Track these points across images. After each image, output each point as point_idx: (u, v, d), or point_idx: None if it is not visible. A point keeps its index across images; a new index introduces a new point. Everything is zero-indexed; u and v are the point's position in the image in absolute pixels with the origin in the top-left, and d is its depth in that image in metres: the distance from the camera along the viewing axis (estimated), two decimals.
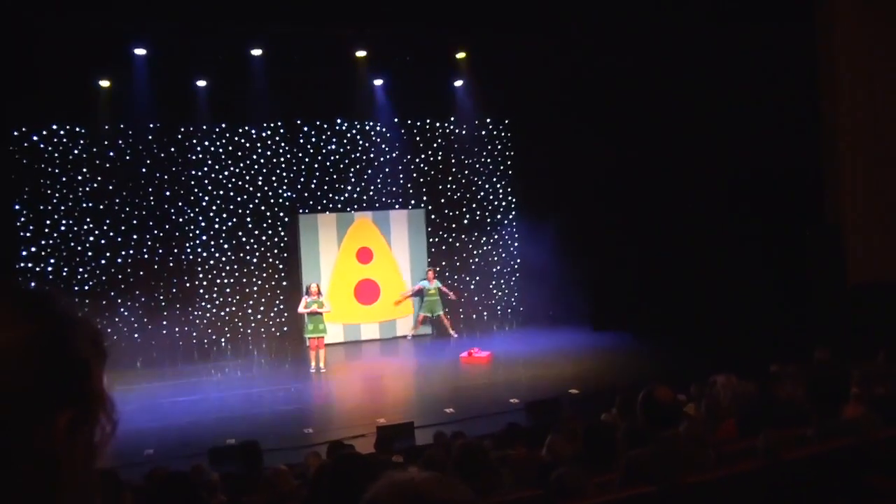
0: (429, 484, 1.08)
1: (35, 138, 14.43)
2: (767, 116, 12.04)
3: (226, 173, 15.74)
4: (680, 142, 13.52)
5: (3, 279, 0.91)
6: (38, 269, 14.41)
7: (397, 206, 16.71)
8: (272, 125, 15.99)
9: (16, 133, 14.24)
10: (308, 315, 13.20)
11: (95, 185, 14.77)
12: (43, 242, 14.47)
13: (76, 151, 14.69)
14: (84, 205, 14.72)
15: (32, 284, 0.94)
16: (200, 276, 15.60)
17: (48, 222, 14.51)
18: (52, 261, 14.53)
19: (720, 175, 13.02)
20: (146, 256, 15.16)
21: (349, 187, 16.59)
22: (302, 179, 16.25)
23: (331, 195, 16.46)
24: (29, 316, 0.86)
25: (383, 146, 16.79)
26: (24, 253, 14.32)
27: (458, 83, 16.44)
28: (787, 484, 3.41)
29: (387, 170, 16.77)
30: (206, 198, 15.60)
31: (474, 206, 17.59)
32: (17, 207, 14.29)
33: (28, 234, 14.38)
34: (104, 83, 14.16)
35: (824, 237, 11.75)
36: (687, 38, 12.74)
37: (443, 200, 17.30)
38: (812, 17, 11.78)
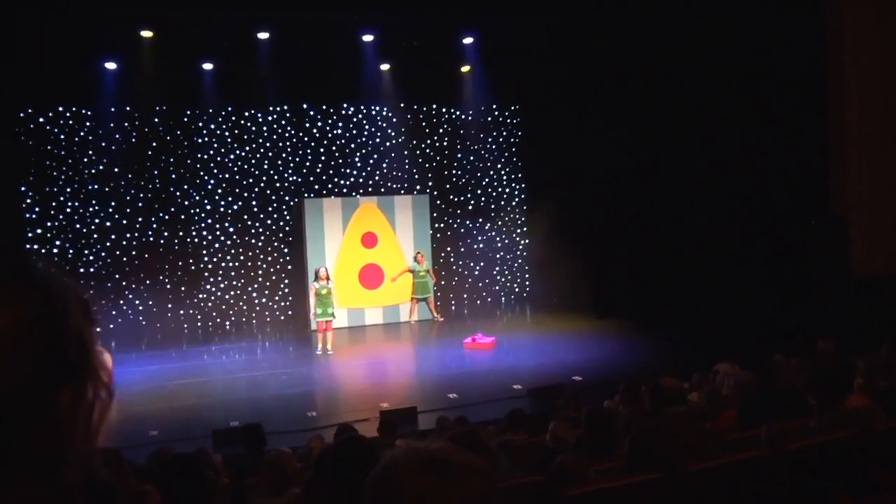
0: (444, 450, 1.11)
1: (41, 120, 14.45)
2: (774, 107, 11.98)
3: (231, 157, 15.74)
4: (687, 132, 13.46)
5: None
6: (43, 250, 14.46)
7: (402, 192, 16.70)
8: (278, 109, 15.98)
9: (22, 115, 14.26)
10: (317, 299, 13.16)
11: (101, 167, 14.80)
12: (49, 224, 14.52)
13: (82, 133, 14.71)
14: (90, 187, 14.75)
15: (18, 259, 0.90)
16: (206, 259, 15.64)
17: (54, 204, 14.55)
18: (57, 242, 14.58)
19: (726, 166, 12.96)
20: (151, 239, 15.20)
21: (355, 172, 16.59)
22: (308, 164, 16.26)
23: (336, 180, 16.47)
24: (22, 294, 0.85)
25: (389, 131, 16.78)
26: (30, 234, 14.37)
27: (465, 69, 16.39)
28: (789, 474, 3.42)
29: (392, 155, 16.76)
30: (212, 181, 15.62)
31: (479, 192, 17.58)
32: (23, 189, 14.33)
33: (34, 216, 14.43)
34: (110, 65, 14.15)
35: (829, 228, 11.71)
36: (696, 28, 12.66)
37: (448, 186, 17.29)
38: (820, 10, 11.71)
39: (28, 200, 14.39)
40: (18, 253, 14.05)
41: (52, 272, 0.90)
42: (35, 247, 14.41)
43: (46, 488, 0.83)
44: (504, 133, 17.80)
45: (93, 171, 14.78)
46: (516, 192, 17.92)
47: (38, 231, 14.45)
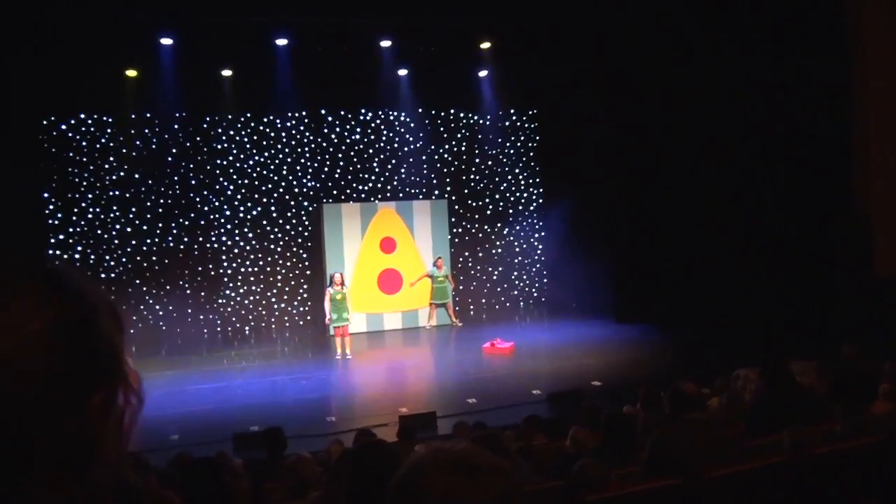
0: (469, 450, 1.12)
1: (63, 127, 14.60)
2: (796, 105, 11.87)
3: (251, 162, 15.83)
4: (707, 133, 13.39)
5: (18, 262, 0.88)
6: (65, 256, 14.61)
7: (421, 196, 16.72)
8: (297, 115, 16.05)
9: (45, 122, 14.42)
10: (332, 305, 13.20)
11: (122, 173, 14.93)
12: (71, 230, 14.67)
13: (103, 140, 14.85)
14: (111, 193, 14.88)
15: (47, 263, 0.90)
16: (225, 264, 15.73)
17: (76, 210, 14.69)
18: (79, 248, 14.72)
19: (746, 165, 12.87)
20: (171, 244, 15.31)
21: (373, 177, 16.63)
22: (326, 169, 16.31)
23: (355, 185, 16.52)
24: (52, 299, 0.85)
25: (407, 136, 16.81)
26: (53, 240, 14.52)
27: (483, 73, 16.40)
28: (811, 480, 3.38)
29: (410, 160, 16.79)
30: (231, 187, 15.71)
31: (497, 196, 17.57)
32: (45, 195, 14.48)
33: (56, 222, 14.58)
34: (131, 73, 14.28)
35: (852, 228, 11.56)
36: (715, 28, 12.60)
37: (466, 191, 17.29)
38: (844, 7, 11.59)
39: (51, 206, 14.54)
40: (53, 260, 14.22)
41: (85, 279, 0.90)
42: (58, 252, 14.55)
43: (77, 490, 0.84)
44: (522, 137, 17.78)
45: (114, 177, 14.91)
46: (534, 196, 17.88)
47: (61, 237, 14.60)
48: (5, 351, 0.79)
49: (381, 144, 16.69)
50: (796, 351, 7.90)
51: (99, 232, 14.85)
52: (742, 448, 4.14)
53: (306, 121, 16.17)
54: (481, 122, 17.37)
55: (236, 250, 15.79)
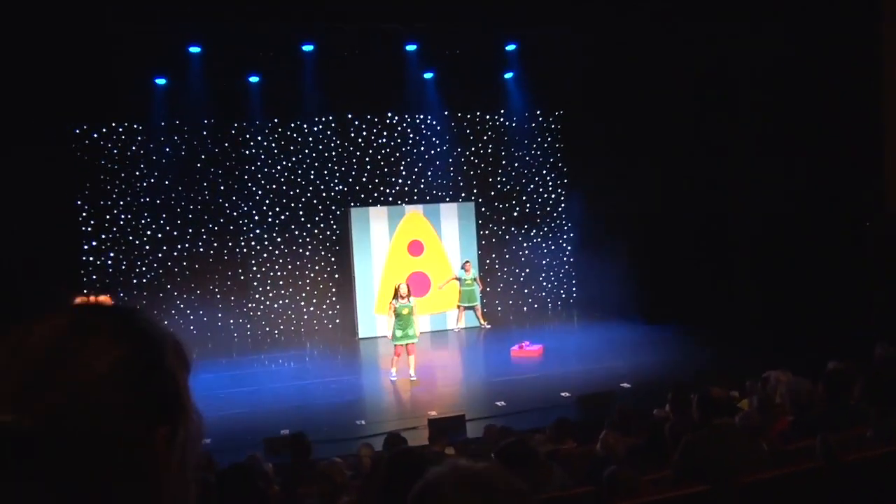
0: (490, 472, 1.14)
1: (95, 136, 14.83)
2: (828, 104, 11.72)
3: (278, 168, 15.96)
4: (736, 130, 13.27)
5: (92, 304, 0.96)
6: (98, 262, 14.84)
7: (448, 199, 16.75)
8: (324, 120, 16.16)
9: (77, 131, 14.66)
10: (396, 320, 11.86)
11: (152, 180, 15.13)
12: (103, 236, 14.90)
13: (134, 148, 15.06)
14: (142, 199, 15.09)
15: (120, 304, 0.98)
16: (254, 268, 15.88)
17: (108, 217, 14.92)
18: (111, 254, 14.94)
19: (777, 165, 12.73)
20: (201, 250, 15.49)
21: (400, 180, 16.69)
22: (353, 173, 16.40)
23: (382, 188, 16.59)
24: (122, 338, 0.91)
25: (434, 139, 16.85)
26: (86, 246, 14.76)
27: (509, 75, 16.39)
28: (844, 486, 3.35)
29: (437, 163, 16.83)
30: (260, 192, 15.85)
31: (524, 198, 17.54)
32: (78, 203, 14.72)
33: (89, 229, 14.81)
34: (161, 81, 14.48)
35: (886, 227, 11.40)
36: (742, 30, 12.48)
37: (493, 193, 17.29)
38: (876, 7, 11.44)
39: (83, 214, 14.78)
40: (83, 269, 14.48)
41: (151, 318, 0.96)
42: (90, 258, 14.79)
43: None
44: (549, 139, 17.74)
45: (144, 184, 15.12)
46: (562, 198, 17.83)
47: (94, 243, 14.83)
48: (82, 383, 0.86)
49: (408, 148, 16.74)
50: (830, 353, 7.79)
51: (130, 238, 15.06)
52: (776, 452, 4.11)
53: (333, 125, 16.27)
54: (508, 124, 17.36)
55: (265, 255, 15.93)
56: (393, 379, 11.98)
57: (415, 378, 11.92)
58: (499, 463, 4.30)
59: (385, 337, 13.34)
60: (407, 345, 11.85)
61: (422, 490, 1.14)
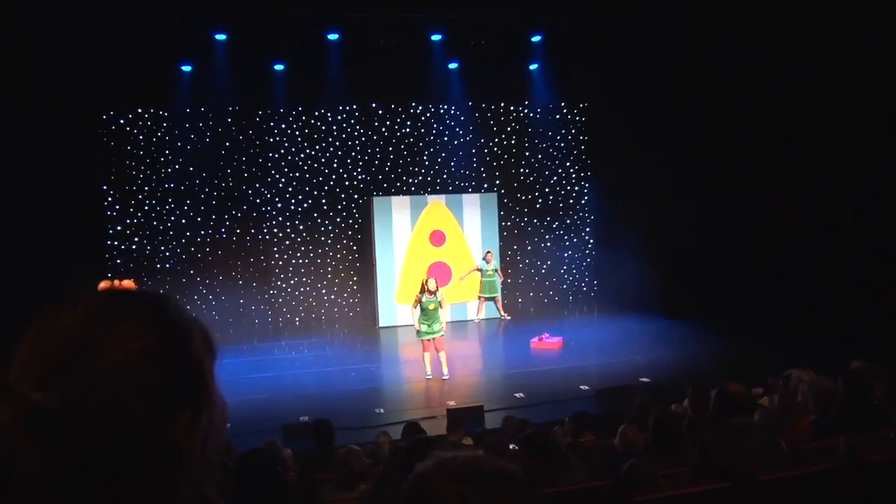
0: (474, 459, 1.14)
1: (122, 121, 14.95)
2: (857, 102, 11.53)
3: (302, 155, 16.01)
4: (760, 126, 13.13)
5: (121, 289, 0.97)
6: (122, 246, 14.98)
7: (470, 190, 16.73)
8: (348, 108, 16.18)
9: (104, 116, 14.79)
10: (421, 314, 11.51)
11: (177, 166, 15.24)
12: (128, 221, 15.03)
13: (159, 134, 15.17)
14: (166, 185, 15.21)
15: (152, 291, 1.00)
16: (276, 255, 15.96)
17: (133, 202, 15.05)
18: (136, 239, 15.08)
19: (801, 160, 12.57)
20: (224, 236, 15.59)
21: (423, 170, 16.68)
22: (377, 162, 16.42)
23: (405, 178, 16.59)
24: (150, 325, 0.92)
25: (457, 129, 16.82)
26: (111, 231, 14.90)
27: (533, 66, 16.32)
28: (865, 487, 3.32)
29: (460, 153, 16.80)
30: (283, 179, 15.92)
31: (547, 190, 17.48)
32: (104, 188, 14.86)
33: (114, 214, 14.95)
34: (186, 68, 14.57)
35: None
36: (771, 23, 12.33)
37: (515, 184, 17.25)
38: None
39: (109, 198, 14.92)
40: (108, 254, 14.65)
41: (180, 305, 0.99)
42: (115, 243, 14.93)
43: (162, 501, 0.91)
44: (573, 130, 17.65)
45: (169, 170, 15.23)
46: (585, 191, 17.75)
47: (119, 228, 14.97)
48: (107, 368, 0.88)
49: (432, 138, 16.73)
50: (854, 352, 7.71)
51: (155, 223, 15.19)
52: (795, 451, 4.08)
53: (357, 114, 16.29)
54: (531, 115, 17.28)
55: (287, 242, 16.01)
56: (428, 377, 11.56)
57: (447, 377, 11.52)
58: (521, 451, 4.31)
59: (405, 326, 13.32)
60: (434, 339, 11.52)
61: (413, 485, 1.15)
